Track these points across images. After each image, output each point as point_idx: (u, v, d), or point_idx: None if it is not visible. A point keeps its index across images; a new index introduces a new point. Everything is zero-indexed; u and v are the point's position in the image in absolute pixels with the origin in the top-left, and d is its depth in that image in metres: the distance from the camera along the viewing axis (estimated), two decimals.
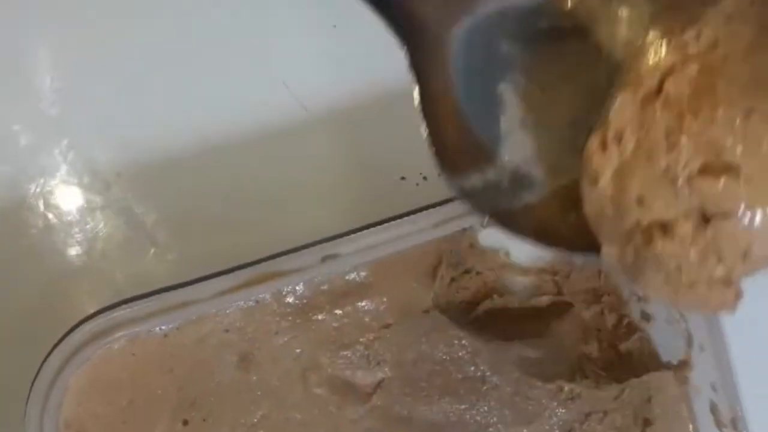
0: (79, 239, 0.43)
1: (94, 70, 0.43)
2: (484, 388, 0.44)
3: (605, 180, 0.26)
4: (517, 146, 0.29)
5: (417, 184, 0.47)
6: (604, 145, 0.26)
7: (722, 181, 0.24)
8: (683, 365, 0.45)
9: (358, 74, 0.46)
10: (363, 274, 0.43)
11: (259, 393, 0.42)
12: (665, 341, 0.46)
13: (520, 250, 0.50)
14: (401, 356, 0.43)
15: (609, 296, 0.48)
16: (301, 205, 0.45)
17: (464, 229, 0.43)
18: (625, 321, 0.48)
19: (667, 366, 0.46)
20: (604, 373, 0.46)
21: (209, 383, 0.41)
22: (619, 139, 0.25)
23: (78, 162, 0.43)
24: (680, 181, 0.25)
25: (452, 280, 0.46)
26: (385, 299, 0.43)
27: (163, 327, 0.40)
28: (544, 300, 0.49)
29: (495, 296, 0.47)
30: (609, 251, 0.27)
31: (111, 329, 0.37)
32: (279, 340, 0.42)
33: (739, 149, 0.24)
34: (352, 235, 0.39)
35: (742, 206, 0.24)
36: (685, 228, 0.25)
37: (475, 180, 0.29)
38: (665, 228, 0.25)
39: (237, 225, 0.45)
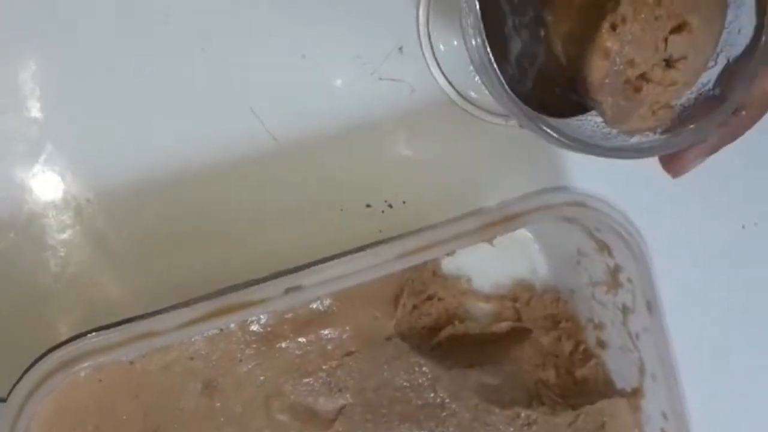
0: (49, 264, 0.44)
1: (70, 99, 0.43)
2: (444, 414, 0.45)
3: (613, 52, 0.35)
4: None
5: (382, 212, 0.49)
6: (614, 27, 0.35)
7: (683, 34, 0.35)
8: (636, 393, 0.46)
9: (326, 104, 0.47)
10: (326, 302, 0.44)
11: (222, 419, 0.43)
12: (619, 369, 0.48)
13: (481, 276, 0.51)
14: (363, 383, 0.45)
15: (567, 323, 0.50)
16: (268, 232, 0.46)
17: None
18: (582, 347, 0.49)
19: (621, 393, 0.47)
20: (560, 400, 0.47)
21: (174, 410, 0.42)
22: (623, 21, 0.35)
23: (49, 186, 0.43)
24: (659, 42, 0.35)
25: (414, 307, 0.47)
26: (347, 327, 0.45)
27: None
28: (504, 326, 0.50)
29: (456, 322, 0.49)
30: (606, 101, 0.37)
31: (78, 358, 0.38)
32: (243, 368, 0.43)
33: (692, 14, 0.35)
34: (316, 267, 0.40)
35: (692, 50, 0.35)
36: (657, 73, 0.36)
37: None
38: (645, 77, 0.36)
39: (204, 252, 0.46)
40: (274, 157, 0.46)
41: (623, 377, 0.47)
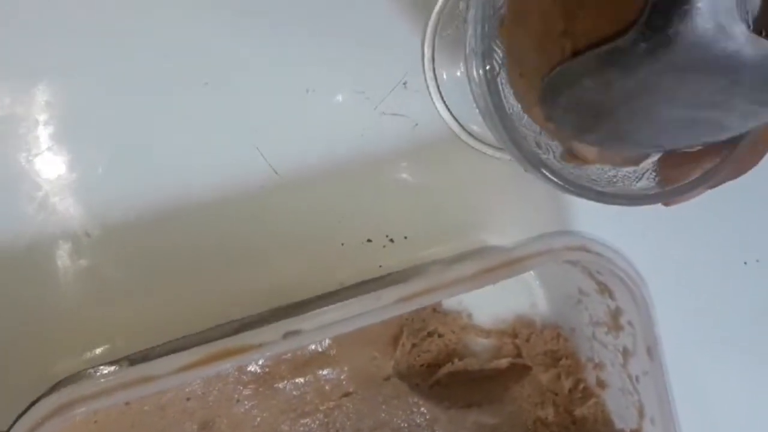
0: (46, 298, 0.44)
1: (71, 134, 0.43)
2: None
3: None
4: None
5: (383, 246, 0.48)
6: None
7: None
8: None
9: (328, 138, 0.46)
10: (325, 343, 0.44)
11: None
12: (619, 410, 0.47)
13: (482, 311, 0.51)
14: (360, 424, 0.44)
15: (567, 360, 0.49)
16: (267, 266, 0.46)
17: None
18: (581, 386, 0.49)
19: None
20: None
21: None
22: None
23: (49, 220, 0.43)
24: None
25: (413, 345, 0.47)
26: (345, 368, 0.44)
27: None
28: (504, 362, 0.50)
29: (456, 359, 0.48)
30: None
31: (74, 403, 0.38)
32: (240, 408, 0.43)
33: None
34: (315, 311, 0.40)
35: None
36: None
37: None
38: None
39: (204, 285, 0.45)
40: (274, 190, 0.45)
41: (623, 418, 0.47)
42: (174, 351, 0.39)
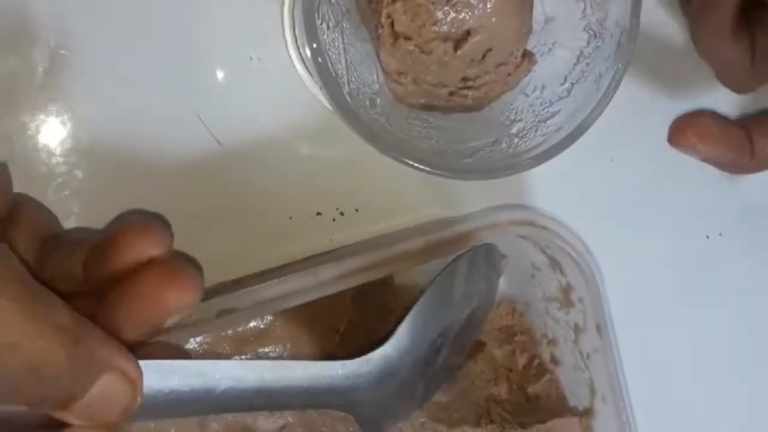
0: None
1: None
2: None
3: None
4: None
5: (333, 220, 0.47)
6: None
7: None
8: (587, 413, 0.45)
9: (275, 108, 0.45)
10: (267, 320, 0.43)
11: None
12: (572, 387, 0.47)
13: None
14: None
15: (522, 336, 0.49)
16: (213, 240, 0.44)
17: None
18: (536, 362, 0.48)
19: (573, 411, 0.46)
20: (511, 417, 0.46)
21: None
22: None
23: None
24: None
25: (361, 320, 0.46)
26: (288, 345, 0.43)
27: None
28: None
29: None
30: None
31: None
32: None
33: None
34: (250, 288, 0.38)
35: None
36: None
37: None
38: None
39: None
40: (218, 162, 0.44)
41: (576, 395, 0.46)
42: None
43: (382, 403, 0.39)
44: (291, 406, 0.38)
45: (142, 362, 0.30)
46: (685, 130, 0.44)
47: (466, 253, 0.39)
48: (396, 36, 0.35)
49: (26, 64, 0.41)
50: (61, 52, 0.42)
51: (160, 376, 0.31)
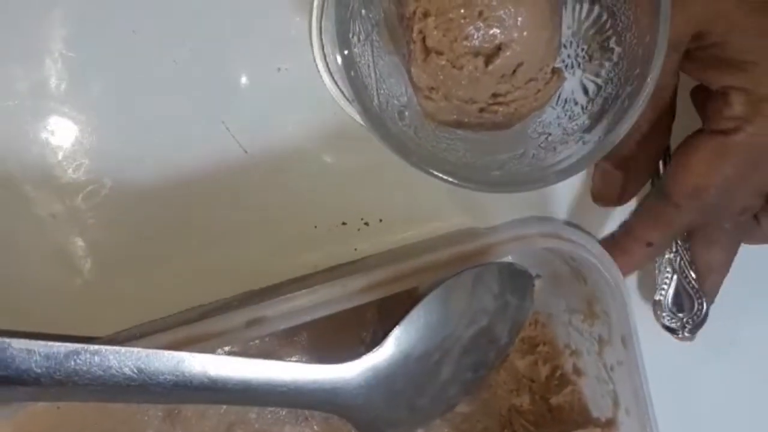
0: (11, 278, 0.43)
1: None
2: None
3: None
4: None
5: (358, 229, 0.47)
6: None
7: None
8: (610, 424, 0.45)
9: (301, 118, 0.45)
10: (295, 329, 0.43)
11: None
12: (595, 398, 0.47)
13: None
14: None
15: (544, 346, 0.49)
16: (239, 248, 0.45)
17: None
18: (558, 373, 0.48)
19: (596, 423, 0.46)
20: (533, 428, 0.46)
21: None
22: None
23: (13, 202, 0.43)
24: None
25: (386, 332, 0.46)
26: (314, 354, 0.43)
27: None
28: None
29: None
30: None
31: None
32: None
33: None
34: (280, 298, 0.39)
35: None
36: None
37: None
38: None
39: (171, 267, 0.44)
40: (244, 170, 0.44)
41: (598, 407, 0.46)
42: (136, 338, 0.38)
43: (376, 411, 0.39)
44: (276, 403, 0.40)
45: (122, 349, 0.31)
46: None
47: (471, 270, 0.39)
48: (428, 51, 0.35)
49: (50, 73, 0.41)
50: (86, 60, 0.42)
51: (140, 363, 0.32)
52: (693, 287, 0.46)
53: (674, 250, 0.46)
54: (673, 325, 0.47)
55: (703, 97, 0.42)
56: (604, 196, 0.45)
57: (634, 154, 0.42)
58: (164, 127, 0.43)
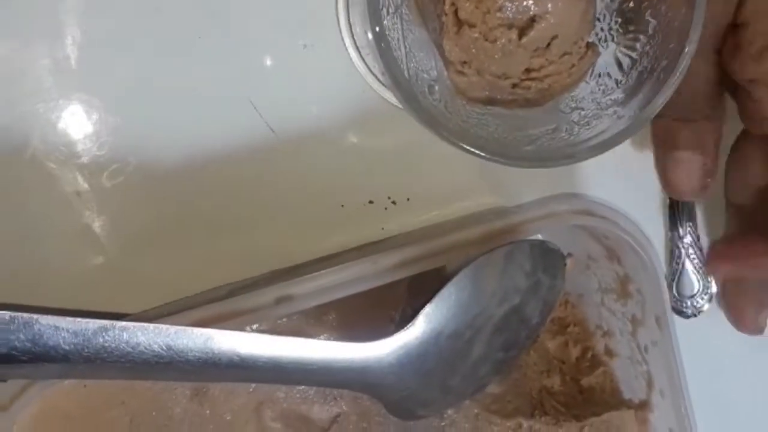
0: (34, 258, 0.43)
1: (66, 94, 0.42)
2: (443, 424, 0.44)
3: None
4: None
5: (385, 208, 0.47)
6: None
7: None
8: (644, 406, 0.45)
9: (328, 96, 0.44)
10: (322, 307, 0.42)
11: (212, 427, 0.41)
12: (627, 379, 0.46)
13: None
14: None
15: (574, 327, 0.48)
16: (266, 227, 0.44)
17: None
18: (589, 354, 0.47)
19: (628, 404, 0.45)
20: (564, 409, 0.45)
21: (162, 416, 0.41)
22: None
23: (41, 179, 0.42)
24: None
25: (415, 310, 0.45)
26: (343, 332, 0.43)
27: None
28: None
29: None
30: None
31: None
32: None
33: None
34: (308, 276, 0.38)
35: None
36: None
37: None
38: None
39: (199, 246, 0.44)
40: (271, 149, 0.44)
41: (631, 388, 0.45)
42: (167, 315, 0.37)
43: (407, 390, 0.39)
44: (306, 382, 0.39)
45: (150, 326, 0.30)
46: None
47: (502, 247, 0.39)
48: (460, 24, 0.35)
49: (74, 51, 0.41)
50: (110, 37, 0.42)
51: (169, 340, 0.33)
52: (699, 270, 0.45)
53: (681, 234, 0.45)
54: (679, 307, 0.46)
55: (732, 91, 0.40)
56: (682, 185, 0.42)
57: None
58: (190, 106, 0.43)
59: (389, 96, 0.42)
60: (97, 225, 0.42)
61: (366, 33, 0.34)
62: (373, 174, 0.45)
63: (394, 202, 0.46)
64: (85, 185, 0.42)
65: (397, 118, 0.44)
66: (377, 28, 0.33)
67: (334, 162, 0.44)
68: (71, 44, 0.41)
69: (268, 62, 0.43)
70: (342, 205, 0.45)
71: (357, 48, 0.42)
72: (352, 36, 0.42)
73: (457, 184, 0.46)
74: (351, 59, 0.43)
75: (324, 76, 0.44)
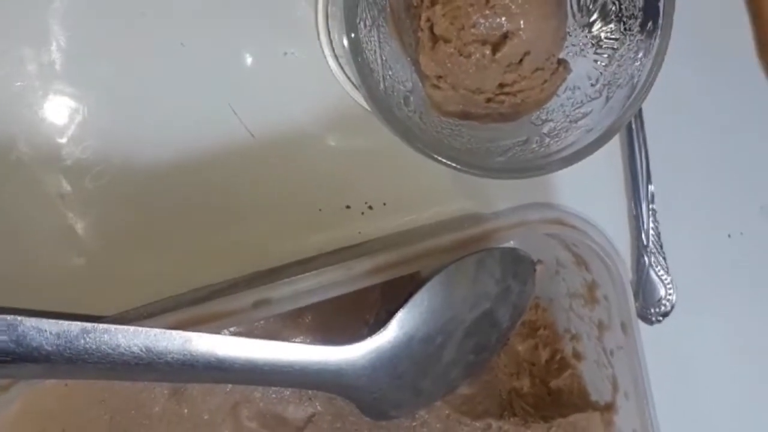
0: (17, 260, 0.43)
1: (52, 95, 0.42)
2: (414, 424, 0.45)
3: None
4: None
5: (362, 213, 0.48)
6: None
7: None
8: (609, 408, 0.46)
9: (307, 102, 0.45)
10: (299, 311, 0.43)
11: (189, 426, 0.42)
12: (594, 382, 0.47)
13: None
14: None
15: (544, 330, 0.49)
16: (244, 231, 0.45)
17: None
18: (558, 357, 0.49)
19: (595, 406, 0.47)
20: (533, 411, 0.47)
21: (141, 415, 0.42)
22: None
23: (22, 181, 0.43)
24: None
25: (390, 314, 0.46)
26: (318, 335, 0.44)
27: None
28: None
29: None
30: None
31: None
32: None
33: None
34: (285, 280, 0.39)
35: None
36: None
37: None
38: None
39: (178, 248, 0.45)
40: (251, 154, 0.45)
41: (598, 390, 0.47)
42: (144, 317, 0.38)
43: (380, 392, 0.40)
44: (281, 383, 0.40)
45: (131, 328, 0.31)
46: None
47: (474, 255, 0.40)
48: (435, 39, 0.36)
49: (59, 55, 0.42)
50: (95, 42, 0.42)
51: (148, 342, 0.33)
52: (661, 278, 0.47)
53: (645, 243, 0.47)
54: (644, 313, 0.48)
55: None
56: None
57: None
58: (172, 109, 0.43)
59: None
60: (79, 227, 0.43)
61: (344, 43, 0.35)
62: (350, 179, 0.46)
63: (370, 207, 0.47)
64: (69, 187, 0.42)
65: (375, 125, 0.44)
66: (353, 35, 0.34)
67: (312, 167, 0.45)
68: (56, 49, 0.41)
69: (249, 68, 0.44)
70: (320, 209, 0.46)
71: (336, 57, 0.43)
72: (332, 45, 0.43)
73: (433, 189, 0.47)
74: (330, 67, 0.44)
75: (303, 83, 0.45)
